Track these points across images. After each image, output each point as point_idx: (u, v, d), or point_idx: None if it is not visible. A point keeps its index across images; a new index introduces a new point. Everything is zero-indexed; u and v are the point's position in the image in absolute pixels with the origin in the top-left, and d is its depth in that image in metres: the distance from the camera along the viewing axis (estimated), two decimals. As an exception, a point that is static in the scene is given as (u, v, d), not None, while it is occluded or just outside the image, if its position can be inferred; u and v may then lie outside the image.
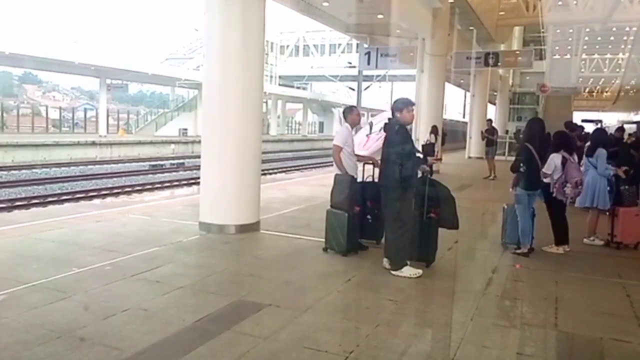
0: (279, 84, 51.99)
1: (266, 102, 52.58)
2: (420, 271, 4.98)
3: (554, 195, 6.03)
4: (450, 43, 18.60)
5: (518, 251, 6.00)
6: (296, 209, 8.58)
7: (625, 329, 3.91)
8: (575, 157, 6.26)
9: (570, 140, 6.38)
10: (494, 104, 34.72)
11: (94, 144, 26.12)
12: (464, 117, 25.31)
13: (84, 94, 67.90)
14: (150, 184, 17.27)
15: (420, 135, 16.66)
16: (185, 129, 36.28)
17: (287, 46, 56.30)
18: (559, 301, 4.47)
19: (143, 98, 69.46)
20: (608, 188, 6.58)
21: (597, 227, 6.74)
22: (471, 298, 4.46)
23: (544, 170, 5.94)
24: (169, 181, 17.98)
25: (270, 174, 21.73)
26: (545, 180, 6.01)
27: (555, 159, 5.98)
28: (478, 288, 4.78)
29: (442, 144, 15.35)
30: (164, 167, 22.58)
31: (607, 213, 6.68)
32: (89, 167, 21.39)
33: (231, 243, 6.13)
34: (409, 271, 4.94)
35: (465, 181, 13.80)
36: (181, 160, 24.79)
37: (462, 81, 28.29)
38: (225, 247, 5.97)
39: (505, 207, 6.36)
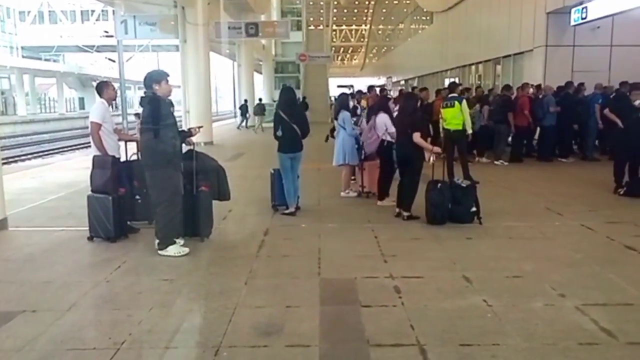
0: (23, 56, 44.92)
1: (9, 78, 45.22)
2: (187, 249, 4.92)
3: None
4: (213, 12, 18.44)
5: (286, 211, 6.46)
6: (54, 198, 7.66)
7: (373, 267, 4.54)
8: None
9: (387, 104, 7.27)
10: (261, 73, 36.10)
11: None
12: (234, 87, 25.63)
13: None
14: None
15: (191, 108, 16.43)
16: None
17: (29, 12, 48.78)
18: (322, 251, 4.98)
19: None
20: (356, 146, 7.48)
21: (350, 181, 7.64)
22: (245, 263, 4.65)
23: (384, 132, 6.67)
24: None
25: (23, 160, 18.97)
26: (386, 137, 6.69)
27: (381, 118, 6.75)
28: (251, 252, 5.00)
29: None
30: None
31: (357, 168, 7.63)
32: None
33: (-31, 248, 5.18)
34: (174, 249, 4.86)
35: (240, 150, 14.16)
36: None
37: (227, 51, 28.52)
38: (-39, 254, 5.02)
39: (272, 171, 6.73)
